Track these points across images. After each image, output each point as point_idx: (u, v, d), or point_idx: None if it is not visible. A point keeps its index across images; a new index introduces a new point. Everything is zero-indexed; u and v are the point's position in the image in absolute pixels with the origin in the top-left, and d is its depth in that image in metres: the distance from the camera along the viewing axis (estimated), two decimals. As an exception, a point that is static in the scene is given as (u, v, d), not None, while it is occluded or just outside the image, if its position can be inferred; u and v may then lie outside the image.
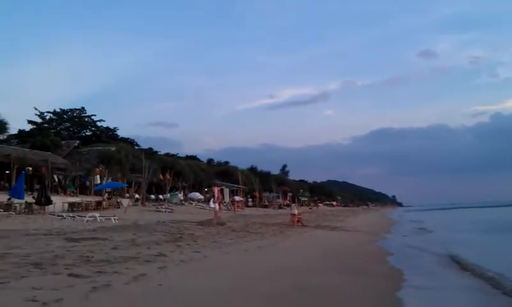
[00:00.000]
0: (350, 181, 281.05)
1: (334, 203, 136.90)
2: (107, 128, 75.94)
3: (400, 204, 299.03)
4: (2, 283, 7.50)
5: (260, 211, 59.84)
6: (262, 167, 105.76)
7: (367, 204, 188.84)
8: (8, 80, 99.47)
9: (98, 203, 37.71)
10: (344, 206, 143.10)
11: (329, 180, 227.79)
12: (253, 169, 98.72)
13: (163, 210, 41.89)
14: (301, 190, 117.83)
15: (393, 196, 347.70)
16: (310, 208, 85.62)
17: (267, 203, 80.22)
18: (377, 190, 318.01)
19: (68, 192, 40.89)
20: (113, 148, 52.24)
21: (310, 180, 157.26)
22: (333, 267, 12.19)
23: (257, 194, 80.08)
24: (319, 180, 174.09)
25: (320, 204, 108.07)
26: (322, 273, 10.87)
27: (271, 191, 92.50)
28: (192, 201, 57.17)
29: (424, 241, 23.78)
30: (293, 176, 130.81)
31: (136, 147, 71.61)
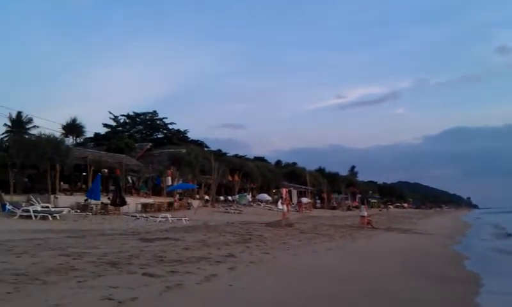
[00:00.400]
0: (422, 183, 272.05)
1: (405, 204, 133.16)
2: (178, 130, 77.94)
3: (475, 207, 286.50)
4: (80, 281, 7.81)
5: (328, 213, 59.24)
6: (330, 168, 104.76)
7: (440, 207, 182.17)
8: (84, 86, 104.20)
9: (170, 204, 38.67)
10: (416, 208, 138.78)
11: (399, 181, 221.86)
12: (321, 170, 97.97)
13: (232, 211, 42.34)
14: (370, 192, 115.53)
15: (468, 198, 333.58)
16: (380, 210, 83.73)
17: (336, 205, 79.20)
18: (451, 191, 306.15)
19: (141, 194, 42.14)
20: (184, 150, 53.38)
21: (380, 181, 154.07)
22: (406, 270, 11.83)
23: (325, 196, 79.29)
24: (388, 181, 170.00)
25: (390, 206, 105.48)
26: (394, 277, 10.57)
27: (339, 192, 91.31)
28: (260, 203, 57.43)
29: (504, 245, 22.65)
30: (362, 177, 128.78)
31: (206, 149, 72.94)
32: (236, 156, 79.77)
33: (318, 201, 76.92)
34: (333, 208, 74.67)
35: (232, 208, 45.23)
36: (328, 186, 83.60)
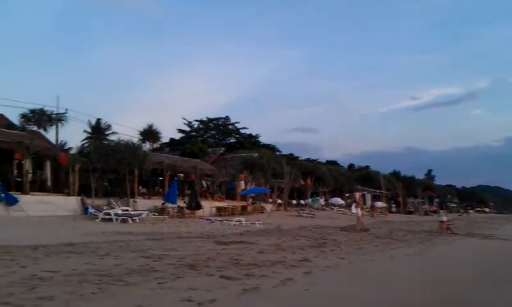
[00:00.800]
0: (503, 186, 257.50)
1: (486, 209, 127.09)
2: (250, 135, 78.76)
3: None
4: (160, 282, 8.02)
5: (404, 217, 57.69)
6: (405, 171, 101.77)
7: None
8: (159, 93, 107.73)
9: (243, 208, 39.08)
10: (497, 212, 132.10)
11: (479, 185, 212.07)
12: (395, 174, 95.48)
13: (305, 215, 42.20)
14: (449, 196, 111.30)
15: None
16: (460, 215, 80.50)
17: (412, 209, 76.96)
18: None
19: (215, 197, 42.87)
20: (256, 154, 53.84)
21: (458, 185, 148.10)
22: (490, 278, 11.24)
23: (401, 200, 77.25)
24: (467, 185, 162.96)
25: (470, 210, 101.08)
26: (478, 285, 10.06)
27: (415, 197, 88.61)
28: (333, 207, 56.88)
29: None
30: (439, 181, 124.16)
31: (277, 153, 73.17)
32: (308, 160, 79.42)
33: (393, 206, 75.07)
34: (410, 212, 72.66)
35: (305, 212, 45.08)
36: (404, 190, 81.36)
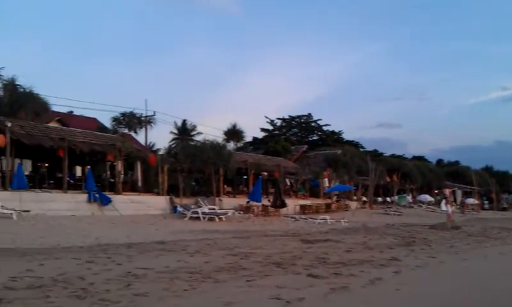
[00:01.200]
0: None
1: None
2: (333, 132, 77.94)
3: None
4: (248, 280, 8.12)
5: (498, 214, 54.72)
6: (498, 166, 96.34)
7: None
8: (241, 93, 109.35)
9: (328, 206, 38.83)
10: None
11: None
12: (487, 169, 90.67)
13: (391, 212, 41.18)
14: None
15: None
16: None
17: (506, 206, 72.75)
18: None
19: (298, 195, 42.86)
20: (339, 151, 53.26)
21: None
22: None
23: (494, 196, 73.30)
24: None
25: None
26: None
27: (510, 193, 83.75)
28: (421, 204, 55.09)
29: None
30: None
31: (361, 149, 71.91)
32: (393, 156, 77.39)
33: (486, 202, 71.43)
34: (504, 209, 68.79)
35: (391, 209, 43.98)
36: (497, 186, 77.10)
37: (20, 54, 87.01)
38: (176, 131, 53.13)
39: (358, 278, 8.78)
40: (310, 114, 78.62)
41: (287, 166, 44.31)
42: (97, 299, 6.40)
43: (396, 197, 54.09)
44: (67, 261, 10.22)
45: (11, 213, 20.61)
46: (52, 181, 28.84)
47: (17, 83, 30.40)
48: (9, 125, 24.34)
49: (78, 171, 34.97)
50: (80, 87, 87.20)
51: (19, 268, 8.70)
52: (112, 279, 7.90)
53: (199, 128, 53.18)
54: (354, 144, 74.44)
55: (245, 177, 40.61)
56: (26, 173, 26.91)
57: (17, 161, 26.90)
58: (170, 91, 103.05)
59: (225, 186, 37.66)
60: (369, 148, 77.84)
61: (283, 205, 33.08)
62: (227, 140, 49.06)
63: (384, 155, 75.38)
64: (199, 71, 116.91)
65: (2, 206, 21.01)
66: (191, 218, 26.32)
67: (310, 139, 76.66)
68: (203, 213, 26.77)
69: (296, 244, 14.77)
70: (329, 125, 78.14)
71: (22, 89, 30.42)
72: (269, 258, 10.93)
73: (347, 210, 38.88)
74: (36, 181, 27.52)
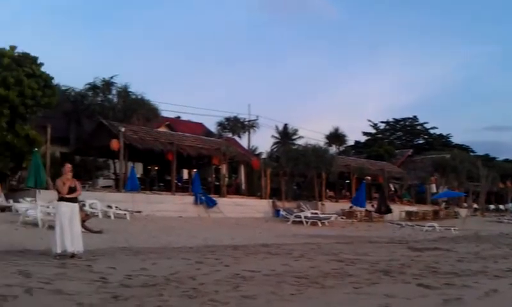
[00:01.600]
0: None
1: None
2: (440, 135, 74.68)
3: None
4: (355, 287, 7.94)
5: None
6: None
7: None
8: (343, 96, 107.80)
9: (435, 213, 37.25)
10: None
11: None
12: None
13: (505, 220, 38.60)
14: None
15: None
16: None
17: None
18: None
19: (404, 201, 41.53)
20: (448, 156, 50.89)
21: None
22: None
23: None
24: None
25: None
26: None
27: None
28: (540, 212, 51.19)
29: None
30: None
31: (471, 154, 68.21)
32: (507, 160, 72.57)
33: None
34: None
35: (505, 217, 41.22)
36: None
37: (131, 62, 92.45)
38: (277, 135, 53.67)
39: (473, 289, 8.27)
40: (415, 116, 75.89)
41: (391, 171, 43.08)
42: (207, 299, 6.56)
43: (510, 205, 50.85)
44: (178, 261, 10.65)
45: (124, 214, 21.84)
46: (161, 184, 30.27)
47: (130, 90, 32.10)
48: (122, 130, 25.90)
49: (185, 174, 36.42)
50: (188, 93, 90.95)
51: (134, 267, 9.19)
52: (221, 280, 8.09)
53: (300, 132, 53.34)
54: (464, 148, 70.66)
55: (347, 181, 40.07)
56: (138, 176, 28.42)
57: (130, 164, 28.50)
58: (272, 95, 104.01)
59: (327, 190, 37.37)
60: (480, 152, 73.46)
61: (388, 211, 32.20)
62: (329, 144, 48.62)
63: (497, 159, 71.01)
64: (300, 76, 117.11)
65: (116, 207, 22.34)
66: (293, 222, 26.41)
67: (416, 142, 74.02)
68: (306, 217, 26.73)
69: (404, 252, 14.27)
70: (436, 128, 75.01)
71: (134, 96, 32.08)
72: (376, 265, 10.65)
73: (456, 218, 37.01)
74: (147, 184, 29.04)
